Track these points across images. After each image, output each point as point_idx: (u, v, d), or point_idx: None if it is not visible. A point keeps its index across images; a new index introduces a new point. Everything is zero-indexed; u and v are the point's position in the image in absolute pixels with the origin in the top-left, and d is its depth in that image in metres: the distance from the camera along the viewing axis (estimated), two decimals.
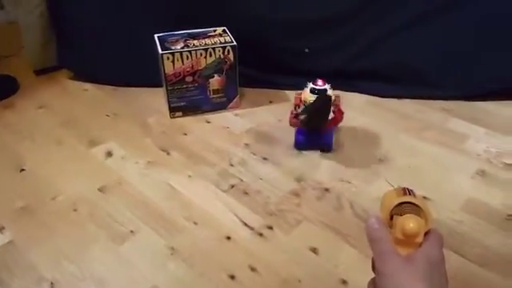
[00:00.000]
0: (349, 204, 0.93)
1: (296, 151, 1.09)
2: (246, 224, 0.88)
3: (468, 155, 1.08)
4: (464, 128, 1.18)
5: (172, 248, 0.83)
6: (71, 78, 1.42)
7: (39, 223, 0.89)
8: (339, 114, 1.05)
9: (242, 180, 1.00)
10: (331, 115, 1.03)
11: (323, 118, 1.01)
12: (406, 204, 0.44)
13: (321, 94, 1.00)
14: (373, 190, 0.96)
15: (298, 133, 1.09)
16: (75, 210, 0.92)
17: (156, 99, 1.28)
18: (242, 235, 0.86)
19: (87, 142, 1.12)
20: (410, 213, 0.43)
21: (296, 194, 0.96)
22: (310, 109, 0.99)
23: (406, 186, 0.46)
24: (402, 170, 1.03)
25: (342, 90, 1.35)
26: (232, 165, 1.05)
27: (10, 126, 1.20)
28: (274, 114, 1.25)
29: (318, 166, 1.05)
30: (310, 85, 1.02)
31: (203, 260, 0.81)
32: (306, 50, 1.28)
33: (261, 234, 0.86)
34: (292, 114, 1.05)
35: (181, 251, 0.83)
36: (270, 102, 1.31)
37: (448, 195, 0.95)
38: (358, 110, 1.27)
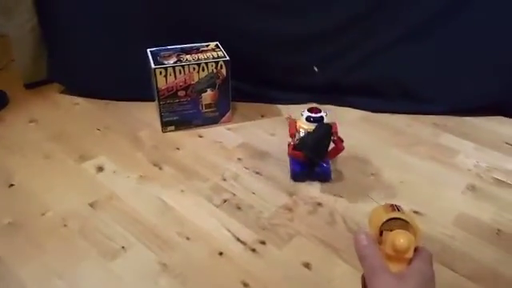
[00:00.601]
0: (341, 218, 0.93)
1: (288, 164, 1.09)
2: (238, 239, 0.88)
3: (458, 170, 1.09)
4: (454, 143, 1.20)
5: (164, 264, 0.82)
6: (62, 92, 1.41)
7: (28, 239, 0.87)
8: (339, 143, 0.99)
9: (234, 194, 0.99)
10: (331, 145, 0.98)
11: (325, 149, 0.96)
12: (395, 220, 0.44)
13: (320, 123, 0.96)
14: (365, 205, 0.97)
15: (293, 163, 1.04)
16: (65, 226, 0.90)
17: (148, 113, 1.28)
18: (234, 251, 0.85)
19: (78, 157, 1.11)
20: (399, 228, 0.44)
21: (289, 209, 0.96)
22: (310, 141, 0.94)
23: (393, 203, 0.47)
24: (393, 184, 1.04)
25: (334, 104, 1.37)
26: (225, 179, 1.04)
27: None
28: (266, 128, 1.25)
29: (311, 181, 1.05)
30: (306, 113, 0.98)
31: (195, 276, 0.80)
32: (315, 69, 1.24)
33: (253, 250, 0.85)
34: (290, 144, 1.01)
35: (172, 267, 0.82)
36: (262, 116, 1.31)
37: (439, 210, 0.96)
38: (350, 124, 1.28)
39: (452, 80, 1.29)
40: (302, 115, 0.98)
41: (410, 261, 0.42)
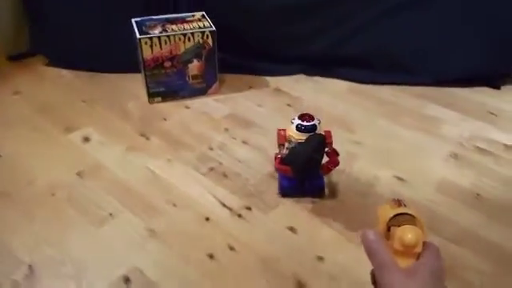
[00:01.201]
0: (327, 185, 0.94)
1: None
2: (224, 205, 0.89)
3: (442, 139, 1.11)
4: (439, 113, 1.21)
5: (151, 230, 0.83)
6: (47, 64, 1.39)
7: (16, 208, 0.88)
8: (334, 156, 0.88)
9: (221, 163, 1.00)
10: (325, 158, 0.87)
11: (316, 165, 0.86)
12: (402, 215, 0.45)
13: (312, 134, 0.84)
14: (351, 172, 0.98)
15: (281, 176, 0.91)
16: (53, 195, 0.91)
17: (134, 85, 1.27)
18: (220, 216, 0.87)
19: (64, 128, 1.11)
20: (406, 223, 0.44)
21: (275, 177, 0.97)
22: (301, 156, 0.82)
23: (398, 198, 0.47)
24: (378, 153, 1.05)
25: (322, 76, 1.37)
26: (211, 149, 1.05)
27: None
28: (253, 99, 1.26)
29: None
30: (296, 120, 0.85)
31: (182, 240, 0.82)
32: None
33: (239, 215, 0.87)
34: (277, 157, 0.88)
35: (160, 233, 0.83)
36: (250, 87, 1.31)
37: (422, 177, 0.97)
38: (337, 96, 1.29)
39: (439, 52, 1.29)
40: (293, 123, 0.86)
41: (418, 255, 0.43)
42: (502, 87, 1.32)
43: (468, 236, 0.84)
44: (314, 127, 0.85)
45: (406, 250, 0.42)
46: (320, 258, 0.78)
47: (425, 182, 0.96)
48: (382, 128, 1.15)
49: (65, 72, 1.36)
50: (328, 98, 1.27)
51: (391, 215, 0.45)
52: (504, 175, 0.99)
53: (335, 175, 0.97)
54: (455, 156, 1.04)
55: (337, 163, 0.88)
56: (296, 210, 0.89)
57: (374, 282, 0.45)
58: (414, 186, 0.95)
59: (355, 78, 1.36)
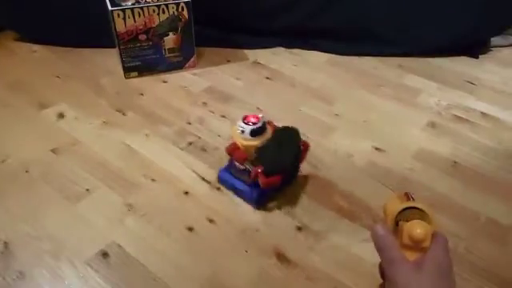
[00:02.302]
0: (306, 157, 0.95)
1: (255, 108, 1.09)
2: (203, 179, 0.89)
3: (420, 109, 1.12)
4: (418, 83, 1.22)
5: (129, 205, 0.83)
6: (18, 40, 1.34)
7: None
8: (306, 144, 0.84)
9: (199, 137, 0.99)
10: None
11: (298, 158, 0.83)
12: (410, 209, 0.44)
13: (280, 130, 0.80)
14: (328, 143, 0.99)
15: (256, 192, 0.81)
16: (27, 172, 0.89)
17: (110, 60, 1.24)
18: (199, 190, 0.86)
19: (37, 104, 1.08)
20: (415, 218, 0.43)
21: None
22: (288, 158, 0.78)
23: (407, 191, 0.47)
24: (357, 124, 1.06)
25: (300, 48, 1.36)
26: (190, 123, 1.04)
27: None
28: (231, 72, 1.24)
29: (276, 122, 1.05)
30: (242, 125, 0.76)
31: (161, 215, 0.81)
32: None
33: (218, 188, 0.87)
34: (257, 172, 0.76)
35: (138, 207, 0.82)
36: (228, 61, 1.29)
37: (400, 146, 0.98)
38: (316, 68, 1.28)
39: (417, 21, 1.29)
40: (243, 131, 0.76)
41: (426, 249, 0.43)
42: (480, 56, 1.33)
43: (443, 202, 0.85)
44: (265, 125, 0.78)
45: (415, 245, 0.43)
46: (298, 228, 0.79)
47: (402, 151, 0.97)
48: (361, 99, 1.15)
49: (37, 47, 1.32)
50: (307, 71, 1.26)
51: (399, 209, 0.45)
52: (481, 143, 1.00)
53: (312, 146, 0.97)
54: (433, 125, 1.05)
55: (308, 146, 0.84)
56: None
57: (383, 275, 0.45)
58: (391, 156, 0.96)
59: (334, 49, 1.35)
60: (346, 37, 1.35)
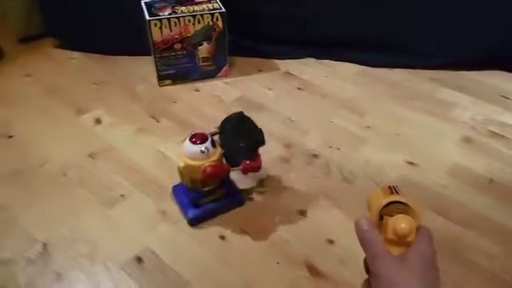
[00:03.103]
0: (337, 169, 0.94)
1: (286, 118, 1.10)
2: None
3: (454, 123, 1.10)
4: (451, 97, 1.20)
5: (163, 211, 0.84)
6: (57, 47, 1.39)
7: (29, 188, 0.89)
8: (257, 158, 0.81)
9: None
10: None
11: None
12: (395, 203, 0.44)
13: (225, 121, 0.82)
14: (361, 156, 0.98)
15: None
16: (65, 175, 0.92)
17: (144, 68, 1.27)
18: None
19: (75, 110, 1.11)
20: (399, 212, 0.43)
21: (285, 160, 0.97)
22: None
23: (391, 185, 0.46)
24: (389, 137, 1.05)
25: (331, 59, 1.36)
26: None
27: None
28: (263, 82, 1.25)
29: (307, 134, 1.05)
30: (189, 145, 0.75)
31: None
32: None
33: (251, 198, 0.87)
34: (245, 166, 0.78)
35: (171, 214, 0.84)
36: (260, 70, 1.31)
37: (434, 161, 0.97)
38: (347, 79, 1.28)
39: (452, 33, 1.27)
40: (190, 150, 0.75)
41: (411, 243, 0.43)
42: None
43: (478, 220, 0.83)
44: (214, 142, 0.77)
45: (399, 240, 0.42)
46: (330, 241, 0.79)
47: (436, 166, 0.96)
48: (393, 112, 1.14)
49: (75, 54, 1.36)
50: (338, 82, 1.26)
51: (384, 204, 0.44)
52: None
53: (344, 158, 0.97)
54: (467, 140, 1.04)
55: (258, 166, 0.80)
56: (306, 193, 0.89)
57: (367, 270, 0.45)
58: (424, 170, 0.94)
59: (365, 61, 1.34)
60: (377, 48, 1.34)
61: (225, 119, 0.83)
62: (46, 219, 0.82)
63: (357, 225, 0.45)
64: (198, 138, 0.75)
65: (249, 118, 0.83)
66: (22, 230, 0.80)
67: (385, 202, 0.44)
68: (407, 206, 0.44)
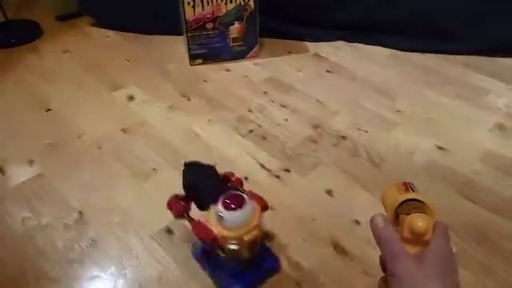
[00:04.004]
0: (365, 151, 0.95)
1: (315, 100, 1.10)
2: (263, 166, 0.91)
3: (488, 109, 1.08)
4: (485, 83, 1.17)
5: None
6: (93, 25, 1.43)
7: (66, 159, 0.93)
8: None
9: (260, 125, 1.02)
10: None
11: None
12: (410, 201, 0.44)
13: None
14: (390, 139, 0.98)
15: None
16: (99, 148, 0.95)
17: (177, 47, 1.29)
18: (259, 176, 0.89)
19: (110, 86, 1.15)
20: (415, 210, 0.43)
21: (313, 140, 0.97)
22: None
23: (407, 181, 0.46)
24: (421, 121, 1.04)
25: (362, 42, 1.35)
26: (251, 111, 1.06)
27: (34, 69, 1.23)
28: (292, 64, 1.25)
29: (336, 115, 1.06)
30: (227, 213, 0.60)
31: None
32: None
33: (278, 176, 0.89)
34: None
35: None
36: (289, 52, 1.31)
37: (466, 147, 0.96)
38: (378, 63, 1.26)
39: (485, 18, 1.23)
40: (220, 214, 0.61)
41: (428, 242, 0.42)
42: None
43: (506, 205, 0.82)
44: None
45: (416, 238, 0.42)
46: (357, 222, 0.79)
47: (468, 152, 0.94)
48: (424, 96, 1.13)
49: (110, 33, 1.40)
50: (368, 65, 1.25)
51: (400, 201, 0.44)
52: None
53: (372, 141, 0.96)
54: (501, 127, 1.02)
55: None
56: (333, 174, 0.89)
57: (384, 268, 0.44)
58: (456, 156, 0.93)
59: (396, 44, 1.33)
60: (409, 32, 1.32)
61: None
62: (82, 188, 0.86)
63: (372, 222, 0.45)
64: (234, 202, 0.60)
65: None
66: (59, 198, 0.84)
67: (401, 199, 0.44)
68: (423, 203, 0.43)
